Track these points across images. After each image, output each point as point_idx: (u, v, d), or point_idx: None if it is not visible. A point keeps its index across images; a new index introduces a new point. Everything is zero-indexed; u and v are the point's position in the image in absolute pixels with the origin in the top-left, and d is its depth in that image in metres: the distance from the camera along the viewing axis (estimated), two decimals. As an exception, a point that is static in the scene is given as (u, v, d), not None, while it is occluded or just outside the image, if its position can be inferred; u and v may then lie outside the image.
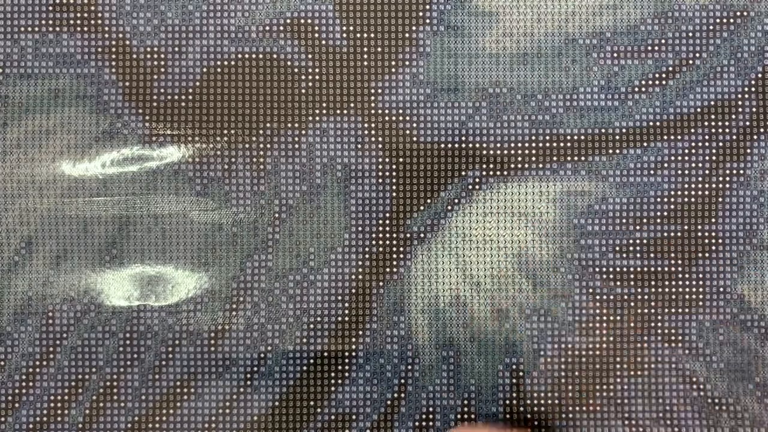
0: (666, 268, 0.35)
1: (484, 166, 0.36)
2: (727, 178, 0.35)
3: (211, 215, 0.35)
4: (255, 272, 0.35)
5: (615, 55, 0.36)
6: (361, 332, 0.35)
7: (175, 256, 0.35)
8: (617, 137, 0.36)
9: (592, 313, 0.35)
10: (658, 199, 0.35)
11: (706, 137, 0.36)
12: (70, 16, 0.36)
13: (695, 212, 0.35)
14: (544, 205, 0.35)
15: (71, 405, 0.35)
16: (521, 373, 0.35)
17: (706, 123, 0.36)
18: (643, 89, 0.36)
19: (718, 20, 0.36)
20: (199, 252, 0.35)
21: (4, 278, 0.35)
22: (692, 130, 0.36)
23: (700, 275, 0.35)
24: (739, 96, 0.36)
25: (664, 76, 0.36)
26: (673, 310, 0.35)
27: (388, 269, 0.35)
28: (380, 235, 0.35)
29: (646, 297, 0.35)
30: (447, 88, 0.36)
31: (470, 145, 0.36)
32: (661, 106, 0.36)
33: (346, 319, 0.35)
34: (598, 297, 0.35)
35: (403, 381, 0.35)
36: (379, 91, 0.36)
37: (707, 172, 0.36)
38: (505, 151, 0.36)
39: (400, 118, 0.36)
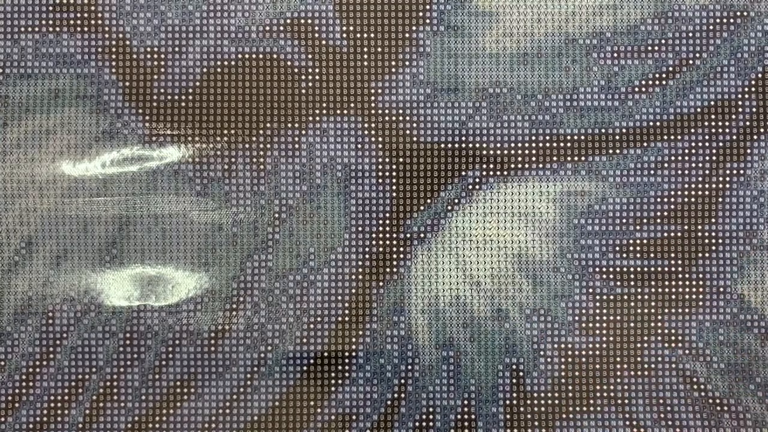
0: (666, 268, 0.35)
1: (484, 166, 0.36)
2: (727, 178, 0.35)
3: (211, 215, 0.35)
4: (255, 272, 0.35)
5: (615, 55, 0.36)
6: (361, 332, 0.35)
7: (175, 256, 0.35)
8: (617, 137, 0.35)
9: (592, 313, 0.35)
10: (658, 199, 0.35)
11: (706, 137, 0.36)
12: (70, 16, 0.36)
13: (695, 212, 0.35)
14: (544, 205, 0.35)
15: (71, 405, 0.35)
16: (521, 373, 0.35)
17: (706, 123, 0.36)
18: (643, 89, 0.36)
19: (718, 20, 0.36)
20: (199, 252, 0.35)
21: (4, 278, 0.35)
22: (692, 130, 0.36)
23: (700, 275, 0.35)
24: (739, 96, 0.36)
25: (664, 76, 0.36)
26: (673, 310, 0.35)
27: (388, 269, 0.35)
28: (380, 235, 0.35)
29: (646, 297, 0.35)
30: (447, 88, 0.36)
31: (470, 145, 0.36)
32: (661, 106, 0.36)
33: (346, 319, 0.35)
34: (598, 297, 0.35)
35: (403, 381, 0.35)
36: (379, 91, 0.36)
37: (707, 172, 0.36)
38: (505, 151, 0.36)
39: (400, 118, 0.36)
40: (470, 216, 0.35)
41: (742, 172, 0.35)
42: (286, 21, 0.36)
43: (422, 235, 0.35)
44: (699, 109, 0.36)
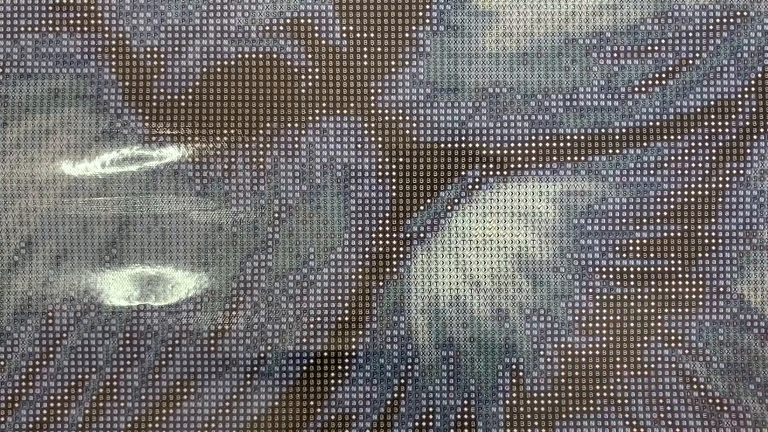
0: (666, 268, 0.35)
1: (484, 166, 0.36)
2: (727, 178, 0.35)
3: (211, 215, 0.35)
4: (255, 272, 0.35)
5: (615, 55, 0.36)
6: (361, 332, 0.35)
7: (175, 256, 0.35)
8: (617, 137, 0.36)
9: (592, 313, 0.35)
10: (658, 199, 0.35)
11: (706, 137, 0.36)
12: (70, 16, 0.36)
13: (695, 212, 0.35)
14: (544, 205, 0.35)
15: (71, 405, 0.35)
16: (521, 373, 0.35)
17: (706, 123, 0.36)
18: (643, 89, 0.36)
19: (718, 20, 0.36)
20: (199, 252, 0.35)
21: (4, 278, 0.35)
22: (692, 130, 0.36)
23: (700, 275, 0.35)
24: (739, 96, 0.36)
25: (664, 76, 0.36)
26: (673, 310, 0.35)
27: (388, 269, 0.35)
28: (380, 235, 0.35)
29: (646, 297, 0.35)
30: (447, 88, 0.36)
31: (470, 145, 0.36)
32: (661, 106, 0.36)
33: (346, 319, 0.35)
34: (598, 297, 0.35)
35: (403, 381, 0.35)
36: (379, 91, 0.36)
37: (707, 172, 0.36)
38: (505, 151, 0.36)
39: (400, 118, 0.36)
40: (470, 216, 0.35)
41: (742, 172, 0.35)
42: (286, 21, 0.36)
43: (422, 235, 0.35)
44: (699, 109, 0.36)
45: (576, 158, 0.35)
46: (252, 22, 0.36)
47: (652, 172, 0.35)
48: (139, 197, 0.35)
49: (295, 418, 0.35)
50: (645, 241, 0.35)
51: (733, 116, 0.36)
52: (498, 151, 0.35)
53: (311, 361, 0.35)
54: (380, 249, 0.35)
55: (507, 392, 0.35)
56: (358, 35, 0.36)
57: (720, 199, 0.35)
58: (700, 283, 0.35)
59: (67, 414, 0.35)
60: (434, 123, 0.35)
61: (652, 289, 0.35)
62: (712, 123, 0.35)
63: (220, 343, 0.35)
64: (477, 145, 0.35)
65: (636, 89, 0.35)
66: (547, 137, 0.35)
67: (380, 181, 0.35)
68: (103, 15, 0.36)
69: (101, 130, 0.35)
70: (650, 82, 0.36)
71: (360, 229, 0.35)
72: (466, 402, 0.35)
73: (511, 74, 0.36)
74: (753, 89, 0.36)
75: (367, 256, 0.35)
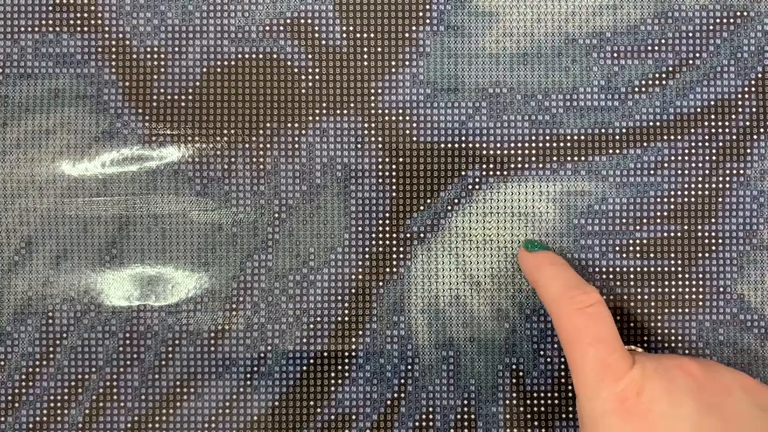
0: (666, 268, 0.35)
1: (484, 166, 0.36)
2: (727, 178, 0.35)
3: (211, 215, 0.35)
4: (255, 272, 0.35)
5: (615, 55, 0.36)
6: (361, 332, 0.35)
7: (175, 256, 0.35)
8: (617, 137, 0.36)
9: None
10: (658, 199, 0.35)
11: (706, 137, 0.36)
12: (70, 16, 0.36)
13: (695, 212, 0.35)
14: (544, 205, 0.35)
15: (71, 405, 0.35)
16: (521, 373, 0.35)
17: (706, 123, 0.36)
18: (643, 89, 0.36)
19: (718, 20, 0.36)
20: (199, 252, 0.35)
21: (4, 278, 0.35)
22: (692, 130, 0.36)
23: (700, 275, 0.35)
24: (739, 96, 0.36)
25: (664, 76, 0.36)
26: (673, 310, 0.35)
27: (388, 269, 0.35)
28: (380, 235, 0.35)
29: (646, 297, 0.35)
30: (447, 88, 0.36)
31: (470, 145, 0.36)
32: (661, 106, 0.36)
33: (346, 319, 0.35)
34: (598, 297, 0.35)
35: (403, 381, 0.35)
36: (379, 91, 0.36)
37: (707, 172, 0.36)
38: (505, 151, 0.36)
39: (400, 118, 0.36)
40: (470, 216, 0.35)
41: (742, 172, 0.35)
42: (286, 21, 0.36)
43: (422, 235, 0.35)
44: (699, 109, 0.36)
45: (576, 158, 0.35)
46: (252, 22, 0.36)
47: (652, 172, 0.35)
48: (139, 197, 0.35)
49: (295, 418, 0.35)
50: (645, 241, 0.35)
51: (733, 116, 0.36)
52: (498, 151, 0.35)
53: (311, 361, 0.35)
54: (380, 249, 0.35)
55: (507, 392, 0.35)
56: (358, 35, 0.36)
57: (720, 199, 0.35)
58: (700, 283, 0.35)
59: (67, 414, 0.35)
60: (434, 123, 0.35)
61: (652, 289, 0.35)
62: (712, 123, 0.35)
63: (220, 343, 0.35)
64: (477, 145, 0.35)
65: (636, 89, 0.35)
66: (547, 137, 0.35)
67: (380, 181, 0.35)
68: (103, 15, 0.36)
69: (101, 130, 0.35)
70: (650, 82, 0.36)
71: (360, 229, 0.35)
72: (466, 402, 0.35)
73: (511, 74, 0.36)
74: (753, 89, 0.36)
75: (367, 256, 0.35)
